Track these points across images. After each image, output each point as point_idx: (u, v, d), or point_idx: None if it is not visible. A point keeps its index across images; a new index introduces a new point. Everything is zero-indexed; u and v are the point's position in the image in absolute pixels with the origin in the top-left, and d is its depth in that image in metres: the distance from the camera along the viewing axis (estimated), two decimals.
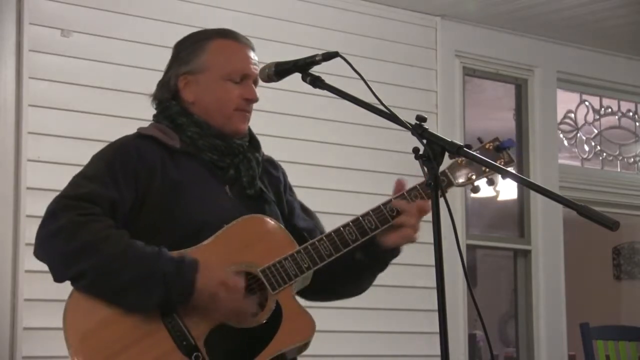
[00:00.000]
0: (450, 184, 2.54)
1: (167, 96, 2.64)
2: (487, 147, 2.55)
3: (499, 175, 2.35)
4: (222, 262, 2.44)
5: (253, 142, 2.70)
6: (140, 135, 2.60)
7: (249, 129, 2.69)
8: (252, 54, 2.66)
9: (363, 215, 2.52)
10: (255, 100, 2.64)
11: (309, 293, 2.61)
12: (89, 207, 2.41)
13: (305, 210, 2.79)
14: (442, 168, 2.43)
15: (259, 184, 2.63)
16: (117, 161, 2.50)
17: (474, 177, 2.54)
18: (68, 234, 2.38)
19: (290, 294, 2.47)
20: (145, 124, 2.66)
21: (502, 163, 2.52)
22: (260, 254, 2.47)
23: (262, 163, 2.69)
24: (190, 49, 2.65)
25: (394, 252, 2.59)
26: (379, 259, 2.60)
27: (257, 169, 2.64)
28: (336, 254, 2.49)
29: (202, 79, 2.61)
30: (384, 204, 2.53)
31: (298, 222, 2.72)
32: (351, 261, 2.58)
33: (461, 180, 2.55)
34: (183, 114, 2.61)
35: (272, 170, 2.74)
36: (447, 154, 2.25)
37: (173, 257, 2.40)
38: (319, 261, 2.48)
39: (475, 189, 2.55)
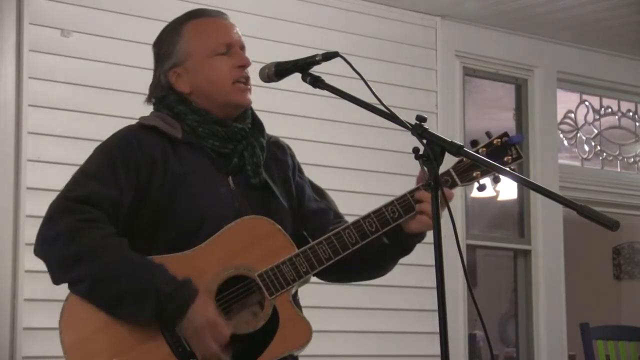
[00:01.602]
0: (455, 183, 2.49)
1: (162, 94, 2.61)
2: (495, 142, 2.48)
3: None
4: (219, 265, 2.43)
5: (256, 124, 2.64)
6: (142, 125, 2.57)
7: (252, 111, 2.64)
8: (227, 23, 2.63)
9: (364, 218, 2.48)
10: (248, 64, 2.59)
11: (329, 273, 2.54)
12: (89, 210, 2.39)
13: (316, 190, 2.74)
14: (447, 167, 2.42)
15: (263, 174, 2.58)
16: (118, 156, 2.48)
17: (479, 175, 2.48)
18: (67, 240, 2.36)
19: (288, 299, 2.44)
20: None
21: (511, 159, 2.47)
22: (259, 257, 2.44)
23: (268, 146, 2.64)
24: (167, 42, 2.62)
25: (419, 237, 2.54)
26: (403, 244, 2.55)
27: (261, 156, 2.59)
28: (335, 258, 2.45)
29: (190, 66, 2.58)
30: (386, 206, 2.49)
31: (309, 204, 2.67)
32: (378, 246, 2.53)
33: (466, 179, 2.49)
34: (181, 103, 2.57)
35: (279, 154, 2.68)
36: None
37: (172, 276, 2.37)
38: (318, 265, 2.45)
39: (481, 187, 2.49)
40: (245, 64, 2.59)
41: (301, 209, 2.66)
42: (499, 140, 2.48)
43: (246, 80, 2.59)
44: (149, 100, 2.66)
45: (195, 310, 2.36)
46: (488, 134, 2.50)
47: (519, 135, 2.50)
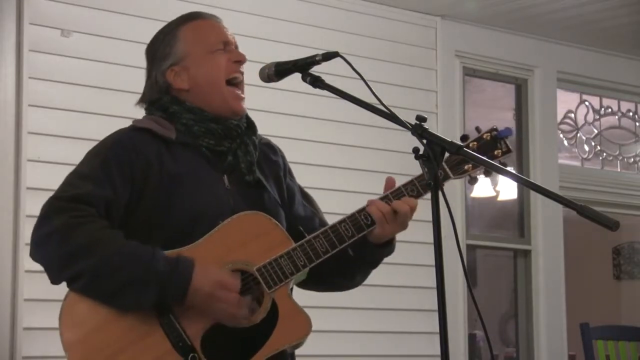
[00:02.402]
0: (448, 176, 2.50)
1: (157, 96, 2.63)
2: (484, 136, 2.50)
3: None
4: (217, 261, 2.43)
5: (249, 124, 2.66)
6: (135, 128, 2.57)
7: (246, 115, 2.66)
8: (221, 25, 2.66)
9: (359, 211, 2.50)
10: (244, 60, 2.62)
11: (303, 282, 2.58)
12: (83, 208, 2.39)
13: (305, 195, 2.76)
14: None
15: (257, 171, 2.60)
16: (112, 158, 2.48)
17: (470, 168, 2.50)
18: (62, 237, 2.36)
19: (286, 292, 2.45)
20: None
21: (500, 153, 2.49)
22: (256, 252, 2.45)
23: (260, 147, 2.66)
24: (163, 44, 2.64)
25: (386, 249, 2.57)
26: (368, 255, 2.58)
27: (254, 154, 2.61)
28: (332, 251, 2.46)
29: (189, 63, 2.59)
30: (380, 199, 2.51)
31: (298, 209, 2.70)
32: (345, 256, 2.55)
33: (458, 172, 2.50)
34: (175, 103, 2.59)
35: (271, 154, 2.71)
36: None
37: (168, 256, 2.38)
38: (315, 258, 2.46)
39: (473, 180, 2.52)
40: (241, 60, 2.62)
41: (290, 211, 2.67)
42: (489, 134, 2.51)
43: (241, 77, 2.62)
44: (140, 102, 2.66)
45: (198, 278, 2.36)
46: (477, 129, 2.53)
47: (507, 129, 2.52)
